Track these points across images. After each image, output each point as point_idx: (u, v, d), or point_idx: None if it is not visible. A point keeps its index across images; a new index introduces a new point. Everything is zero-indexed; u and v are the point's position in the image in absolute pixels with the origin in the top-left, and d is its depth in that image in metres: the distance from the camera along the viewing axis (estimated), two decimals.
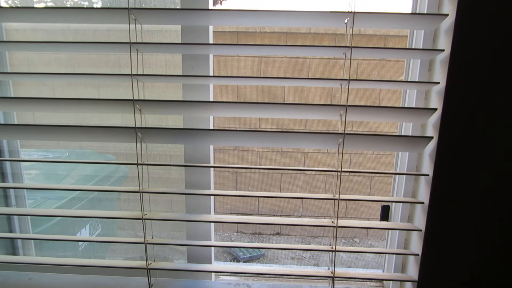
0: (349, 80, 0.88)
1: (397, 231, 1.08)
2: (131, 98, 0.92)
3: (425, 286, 0.98)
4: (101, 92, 1.21)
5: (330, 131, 0.83)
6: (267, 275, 1.04)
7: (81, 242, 2.26)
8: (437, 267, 0.97)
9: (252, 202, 4.35)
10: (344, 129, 0.90)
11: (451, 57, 0.85)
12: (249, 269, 1.03)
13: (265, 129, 0.81)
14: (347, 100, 0.89)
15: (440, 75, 0.90)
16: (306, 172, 4.09)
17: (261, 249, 3.94)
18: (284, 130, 0.91)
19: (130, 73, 0.91)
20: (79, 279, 1.09)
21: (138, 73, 0.93)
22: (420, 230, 0.96)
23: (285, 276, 1.05)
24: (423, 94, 0.98)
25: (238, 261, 3.84)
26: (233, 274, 1.12)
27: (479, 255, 0.95)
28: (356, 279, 1.06)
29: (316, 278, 1.07)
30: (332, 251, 0.98)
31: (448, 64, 0.85)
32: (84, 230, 2.30)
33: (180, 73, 1.03)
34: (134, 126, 0.94)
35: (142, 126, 0.97)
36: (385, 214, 1.15)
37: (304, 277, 1.04)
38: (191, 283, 1.08)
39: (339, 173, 0.94)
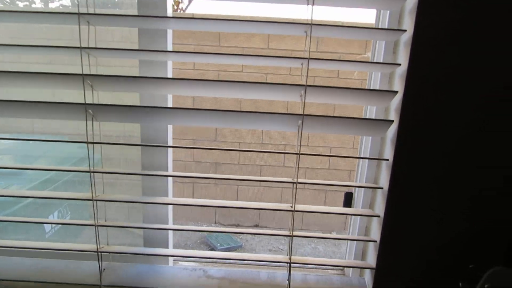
0: (308, 59, 0.84)
1: (359, 217, 1.06)
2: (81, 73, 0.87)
3: (382, 273, 0.96)
4: (57, 70, 1.15)
5: (290, 113, 0.80)
6: (223, 259, 1.01)
7: (49, 229, 2.19)
8: (394, 254, 0.95)
9: (232, 193, 4.33)
10: (303, 109, 0.87)
11: (413, 37, 0.82)
12: (205, 254, 1.00)
13: (224, 109, 0.79)
14: (306, 80, 0.86)
15: (403, 57, 0.87)
16: (285, 165, 4.07)
17: (239, 241, 3.92)
18: (243, 110, 0.87)
19: (79, 46, 0.86)
20: (29, 262, 1.04)
21: (90, 46, 0.88)
22: (378, 216, 0.94)
23: (243, 261, 1.02)
24: (387, 77, 0.96)
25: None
26: (189, 259, 1.09)
27: (437, 242, 0.94)
28: (313, 265, 1.04)
29: (273, 263, 1.05)
30: (289, 236, 0.95)
31: (411, 45, 0.83)
32: (52, 217, 2.23)
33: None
34: (84, 102, 0.89)
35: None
36: (348, 200, 1.13)
37: (262, 262, 1.01)
38: (146, 268, 1.04)
39: (298, 156, 0.91)
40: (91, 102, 0.91)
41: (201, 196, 4.34)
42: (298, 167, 0.91)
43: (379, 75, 0.96)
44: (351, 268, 1.08)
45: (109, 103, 0.90)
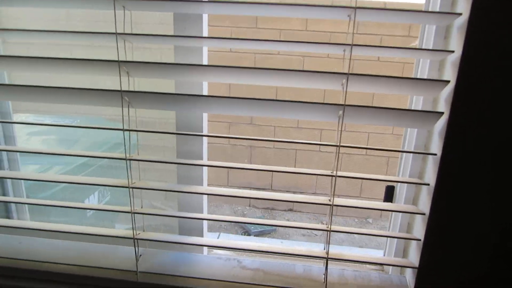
0: (352, 45, 0.79)
1: (400, 213, 1.00)
2: (117, 59, 0.86)
3: (425, 273, 0.91)
4: (96, 54, 1.15)
5: (330, 103, 0.76)
6: (258, 252, 0.99)
7: (89, 210, 2.26)
8: (439, 253, 0.90)
9: (266, 177, 4.31)
10: (345, 99, 0.82)
11: (469, 21, 0.75)
12: (240, 245, 0.99)
13: (262, 98, 0.77)
14: (349, 68, 0.81)
15: (458, 43, 0.80)
16: (321, 150, 3.98)
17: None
18: (281, 99, 0.83)
19: (115, 31, 0.84)
20: (68, 245, 1.07)
21: (126, 32, 0.87)
22: (424, 214, 0.88)
23: (278, 254, 0.99)
24: (437, 64, 0.88)
25: (249, 234, 3.83)
26: (223, 248, 1.08)
27: (486, 244, 0.87)
28: (351, 261, 1.00)
29: (309, 257, 1.02)
30: (327, 230, 0.92)
31: (466, 30, 0.75)
32: (93, 197, 2.30)
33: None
34: (120, 89, 0.88)
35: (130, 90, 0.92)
36: (389, 195, 1.07)
37: (298, 256, 0.98)
38: (180, 256, 1.04)
39: (338, 148, 0.87)
40: (127, 89, 0.90)
41: (235, 180, 4.35)
42: (337, 159, 0.87)
43: (427, 62, 0.89)
44: (390, 267, 1.04)
45: (145, 90, 0.89)
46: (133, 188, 0.95)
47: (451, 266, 0.90)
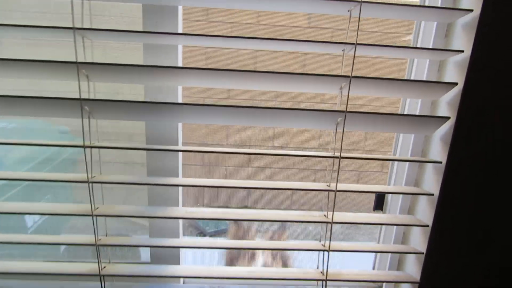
0: (356, 44, 0.70)
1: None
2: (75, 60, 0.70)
3: (426, 286, 0.86)
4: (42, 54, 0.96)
5: (328, 109, 0.66)
6: (248, 279, 0.87)
7: (31, 224, 1.99)
8: (441, 266, 0.84)
9: (241, 190, 4.12)
10: (346, 104, 0.73)
11: (480, 19, 0.69)
12: (225, 273, 0.86)
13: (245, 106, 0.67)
14: (351, 70, 0.72)
15: (462, 42, 0.74)
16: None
17: (226, 223, 3.79)
18: (271, 107, 0.71)
19: (72, 26, 0.68)
20: (17, 285, 0.88)
21: (84, 27, 0.71)
22: (427, 226, 0.82)
23: (271, 280, 0.88)
24: (436, 65, 0.82)
25: (205, 235, 3.66)
26: (206, 278, 0.95)
27: (490, 255, 0.83)
28: (350, 281, 0.92)
29: (305, 281, 0.92)
30: (325, 250, 0.83)
31: (477, 28, 0.69)
32: (28, 216, 2.03)
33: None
34: (79, 97, 0.72)
35: (91, 97, 0.76)
36: (379, 202, 1.01)
37: (292, 280, 0.88)
38: None
39: (339, 160, 0.78)
40: (87, 97, 0.74)
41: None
42: (338, 172, 0.78)
43: (426, 62, 0.83)
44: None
45: (107, 98, 0.74)
46: (97, 216, 0.79)
47: (452, 278, 0.86)
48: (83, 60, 0.71)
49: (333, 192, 0.79)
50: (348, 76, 0.71)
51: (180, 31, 0.80)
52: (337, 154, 0.77)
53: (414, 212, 0.90)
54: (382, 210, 1.00)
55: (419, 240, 0.87)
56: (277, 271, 0.88)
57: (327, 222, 0.81)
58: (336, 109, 0.76)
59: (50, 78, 0.74)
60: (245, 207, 4.02)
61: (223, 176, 3.69)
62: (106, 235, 0.86)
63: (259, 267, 0.89)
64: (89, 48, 0.75)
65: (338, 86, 0.75)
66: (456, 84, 0.73)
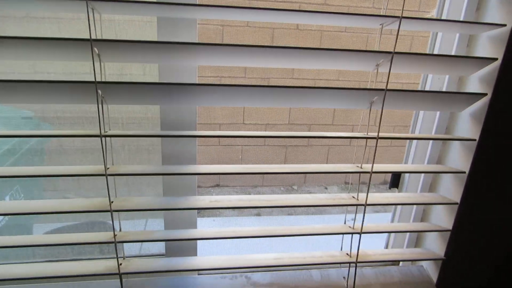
0: (401, 17, 0.65)
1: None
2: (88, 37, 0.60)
3: (451, 263, 0.86)
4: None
5: (365, 88, 0.62)
6: (272, 267, 0.84)
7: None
8: (466, 244, 0.85)
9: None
10: (387, 82, 0.69)
11: None
12: (246, 262, 0.82)
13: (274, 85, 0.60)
14: (394, 47, 0.67)
15: (500, 15, 0.71)
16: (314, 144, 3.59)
17: None
18: (302, 86, 0.66)
19: None
20: None
21: None
22: (456, 204, 0.82)
23: (298, 266, 0.85)
24: (465, 40, 0.80)
25: None
26: (230, 269, 0.91)
27: None
28: (375, 262, 0.91)
29: (334, 264, 0.90)
30: (356, 233, 0.80)
31: None
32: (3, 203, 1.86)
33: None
34: (94, 80, 0.63)
35: (103, 80, 0.67)
36: (395, 180, 1.00)
37: (321, 264, 0.85)
38: (175, 282, 0.85)
39: (376, 140, 0.74)
40: (100, 79, 0.65)
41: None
42: (375, 153, 0.75)
43: (456, 37, 0.80)
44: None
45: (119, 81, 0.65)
46: (114, 211, 0.72)
47: (477, 256, 0.87)
48: (94, 37, 0.62)
49: (370, 174, 0.76)
50: (389, 52, 0.67)
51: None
52: (372, 135, 0.74)
53: (436, 190, 0.90)
54: (397, 188, 0.99)
55: (442, 218, 0.87)
56: (303, 256, 0.85)
57: (360, 205, 0.78)
58: (370, 87, 0.72)
59: (58, 59, 0.64)
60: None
61: (239, 154, 3.54)
62: (120, 230, 0.79)
63: (284, 253, 0.86)
64: (97, 23, 0.65)
65: (375, 63, 0.71)
66: (496, 59, 0.70)
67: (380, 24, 0.69)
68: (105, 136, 0.67)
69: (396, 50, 0.67)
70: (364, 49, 0.67)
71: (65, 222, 1.27)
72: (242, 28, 2.96)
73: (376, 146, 0.74)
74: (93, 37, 0.62)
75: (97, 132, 0.66)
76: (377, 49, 0.69)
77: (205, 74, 2.93)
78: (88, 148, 0.99)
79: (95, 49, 0.63)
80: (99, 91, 0.65)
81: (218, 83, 0.65)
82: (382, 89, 0.69)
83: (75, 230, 1.21)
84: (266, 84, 0.66)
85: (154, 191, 0.96)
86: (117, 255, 0.75)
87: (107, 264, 0.77)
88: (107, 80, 0.65)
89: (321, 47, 0.65)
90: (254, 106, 0.71)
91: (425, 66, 0.72)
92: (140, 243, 1.09)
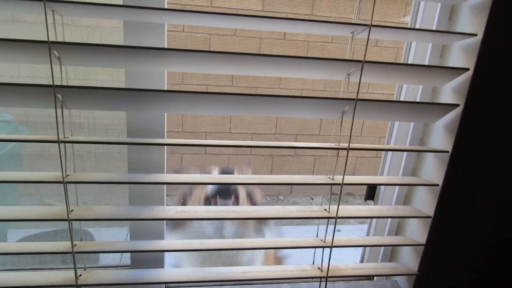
0: (370, 26, 0.64)
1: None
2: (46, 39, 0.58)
3: (424, 277, 0.84)
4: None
5: (336, 97, 0.60)
6: (241, 281, 0.81)
7: None
8: (441, 258, 0.83)
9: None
10: (358, 92, 0.68)
11: (493, 2, 0.66)
12: (217, 275, 0.80)
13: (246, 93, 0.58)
14: (364, 55, 0.66)
15: (471, 25, 0.70)
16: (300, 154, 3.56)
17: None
18: (274, 95, 0.64)
19: None
20: None
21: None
22: (430, 217, 0.80)
23: (269, 280, 0.83)
24: (438, 50, 0.79)
25: None
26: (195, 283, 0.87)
27: (489, 247, 0.83)
28: (349, 277, 0.89)
29: (304, 279, 0.88)
30: (327, 247, 0.78)
31: (489, 10, 0.66)
32: None
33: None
34: (52, 84, 0.60)
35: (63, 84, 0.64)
36: (371, 192, 0.98)
37: (294, 279, 0.83)
38: None
39: (346, 151, 0.72)
40: (59, 83, 0.63)
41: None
42: (346, 164, 0.73)
43: (428, 47, 0.79)
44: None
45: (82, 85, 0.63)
46: (72, 220, 0.69)
47: (451, 270, 0.85)
48: (54, 39, 0.60)
49: (335, 185, 0.74)
50: (359, 61, 0.65)
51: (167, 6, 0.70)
52: (343, 145, 0.72)
53: (410, 203, 0.88)
54: (373, 200, 0.98)
55: (416, 231, 0.85)
56: (273, 269, 0.82)
57: (331, 218, 0.76)
58: (342, 97, 0.70)
59: (14, 61, 0.62)
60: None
61: (225, 163, 3.44)
62: (81, 239, 0.76)
63: (253, 267, 0.83)
64: (59, 26, 0.63)
65: (346, 72, 0.69)
66: (467, 69, 0.69)
67: (351, 32, 0.68)
68: (64, 142, 0.64)
69: (372, 60, 0.65)
70: (334, 58, 0.66)
71: (41, 228, 1.23)
72: (230, 38, 2.95)
73: (347, 157, 0.72)
74: (58, 39, 0.60)
75: (55, 137, 0.63)
76: (349, 58, 0.68)
77: (191, 82, 2.91)
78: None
79: (55, 52, 0.60)
80: (59, 95, 0.62)
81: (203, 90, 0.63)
82: (353, 99, 0.68)
83: (52, 236, 1.17)
84: (236, 92, 0.64)
85: (121, 200, 0.93)
86: (75, 266, 0.72)
87: (65, 276, 0.73)
88: (71, 84, 0.63)
89: (290, 54, 0.63)
90: (221, 114, 0.69)
91: (397, 76, 0.71)
92: (109, 254, 1.06)
